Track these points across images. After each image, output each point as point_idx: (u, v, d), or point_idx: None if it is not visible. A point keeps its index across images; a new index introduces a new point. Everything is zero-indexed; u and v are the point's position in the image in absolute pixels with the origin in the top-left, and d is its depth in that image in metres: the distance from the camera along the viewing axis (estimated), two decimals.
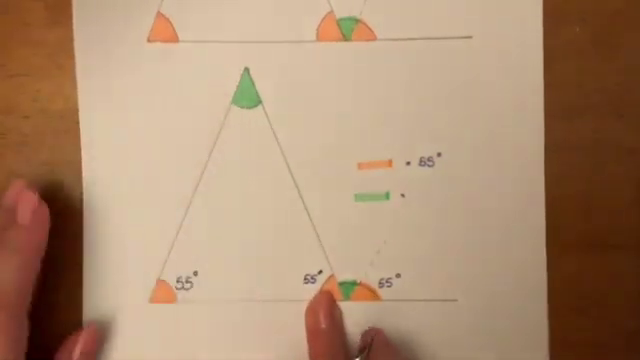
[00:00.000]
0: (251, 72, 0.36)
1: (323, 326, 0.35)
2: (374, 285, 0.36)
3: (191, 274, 0.36)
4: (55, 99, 0.36)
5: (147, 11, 0.36)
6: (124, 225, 0.36)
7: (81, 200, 0.36)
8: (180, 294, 0.36)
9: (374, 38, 0.36)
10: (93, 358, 0.35)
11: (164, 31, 0.36)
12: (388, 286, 0.36)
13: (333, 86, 0.36)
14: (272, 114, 0.36)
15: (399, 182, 0.36)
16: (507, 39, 0.36)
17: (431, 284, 0.36)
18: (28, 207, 0.33)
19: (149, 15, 0.36)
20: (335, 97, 0.36)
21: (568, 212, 0.36)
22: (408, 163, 0.36)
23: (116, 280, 0.36)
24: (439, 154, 0.36)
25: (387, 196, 0.36)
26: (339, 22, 0.36)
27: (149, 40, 0.36)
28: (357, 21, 0.36)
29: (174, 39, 0.36)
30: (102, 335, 0.35)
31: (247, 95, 0.36)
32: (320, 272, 0.36)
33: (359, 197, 0.36)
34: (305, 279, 0.36)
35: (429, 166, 0.36)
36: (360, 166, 0.36)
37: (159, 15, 0.36)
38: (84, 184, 0.36)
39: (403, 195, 0.36)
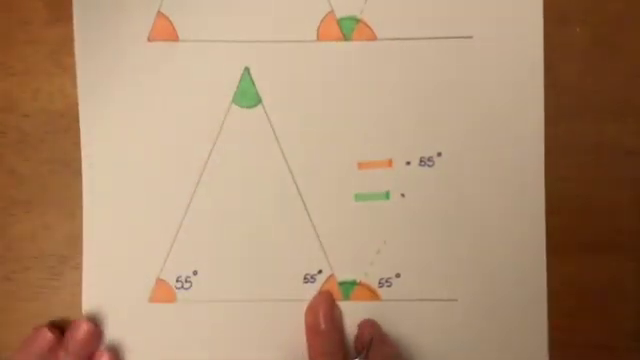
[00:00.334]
0: (251, 72, 0.36)
1: (323, 326, 0.35)
2: (374, 285, 0.36)
3: (191, 274, 0.36)
4: (55, 98, 0.36)
5: (147, 10, 0.36)
6: (124, 225, 0.36)
7: (81, 199, 0.36)
8: (180, 294, 0.36)
9: (374, 38, 0.36)
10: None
11: (164, 30, 0.36)
12: (388, 286, 0.36)
13: (333, 86, 0.36)
14: (272, 114, 0.36)
15: (399, 182, 0.36)
16: (507, 39, 0.36)
17: (431, 284, 0.36)
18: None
19: (149, 14, 0.36)
20: (335, 97, 0.36)
21: (568, 213, 0.36)
22: (408, 163, 0.36)
23: (116, 280, 0.36)
24: (439, 154, 0.36)
25: (387, 196, 0.36)
26: (339, 22, 0.36)
27: (149, 39, 0.36)
28: (357, 21, 0.36)
29: (174, 38, 0.36)
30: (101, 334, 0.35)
31: (247, 95, 0.36)
32: (320, 272, 0.36)
33: (359, 197, 0.36)
34: (305, 279, 0.36)
35: (429, 166, 0.36)
36: (360, 166, 0.36)
37: (159, 14, 0.36)
38: (84, 183, 0.36)
39: (403, 195, 0.36)
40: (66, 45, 0.36)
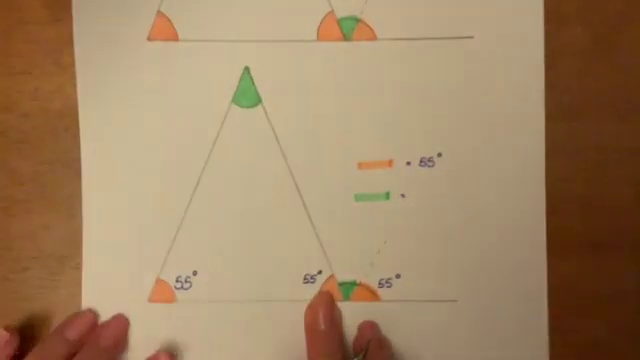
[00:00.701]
0: (251, 71, 0.36)
1: (322, 326, 0.35)
2: (374, 285, 0.36)
3: (190, 274, 0.36)
4: (55, 97, 0.36)
5: (147, 10, 0.36)
6: (123, 224, 0.36)
7: (80, 199, 0.36)
8: (179, 294, 0.36)
9: (375, 38, 0.36)
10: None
11: (164, 30, 0.36)
12: (388, 286, 0.36)
13: (333, 86, 0.36)
14: (272, 113, 0.36)
15: (399, 182, 0.36)
16: (508, 39, 0.36)
17: (431, 284, 0.36)
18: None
19: (149, 14, 0.36)
20: (335, 97, 0.36)
21: (568, 212, 0.36)
22: (408, 163, 0.36)
23: (115, 280, 0.36)
24: (439, 154, 0.36)
25: (387, 196, 0.36)
26: (340, 22, 0.36)
27: (149, 39, 0.36)
28: (358, 21, 0.36)
29: (174, 38, 0.36)
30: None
31: (247, 94, 0.36)
32: (320, 272, 0.36)
33: (359, 197, 0.36)
34: (305, 279, 0.36)
35: (429, 166, 0.36)
36: (360, 166, 0.36)
37: (159, 14, 0.36)
38: (83, 183, 0.36)
39: (403, 195, 0.36)
40: (66, 45, 0.36)
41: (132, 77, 0.36)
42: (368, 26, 0.36)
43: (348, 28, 0.36)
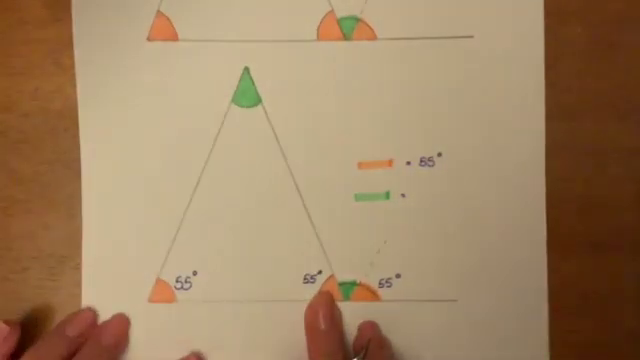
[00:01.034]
0: (251, 71, 0.36)
1: (322, 326, 0.35)
2: (374, 285, 0.36)
3: (190, 274, 0.36)
4: (54, 97, 0.36)
5: (147, 10, 0.36)
6: (123, 225, 0.36)
7: (80, 199, 0.36)
8: (179, 294, 0.36)
9: (375, 37, 0.36)
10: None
11: (164, 30, 0.36)
12: (388, 286, 0.36)
13: (333, 86, 0.36)
14: (272, 113, 0.36)
15: (399, 182, 0.36)
16: (508, 39, 0.36)
17: (431, 284, 0.36)
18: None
19: (149, 14, 0.36)
20: (335, 97, 0.36)
21: (568, 212, 0.36)
22: (408, 163, 0.36)
23: (115, 280, 0.36)
24: (440, 154, 0.36)
25: (387, 196, 0.36)
26: (340, 21, 0.36)
27: (149, 39, 0.36)
28: (358, 20, 0.36)
29: (174, 38, 0.36)
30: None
31: (247, 94, 0.36)
32: (320, 272, 0.36)
33: (359, 197, 0.36)
34: (305, 279, 0.36)
35: (430, 166, 0.36)
36: (360, 166, 0.36)
37: (159, 14, 0.36)
38: (83, 183, 0.36)
39: (403, 195, 0.36)
40: (65, 45, 0.36)
41: (132, 77, 0.36)
42: (368, 26, 0.36)
43: (348, 28, 0.36)
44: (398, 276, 0.36)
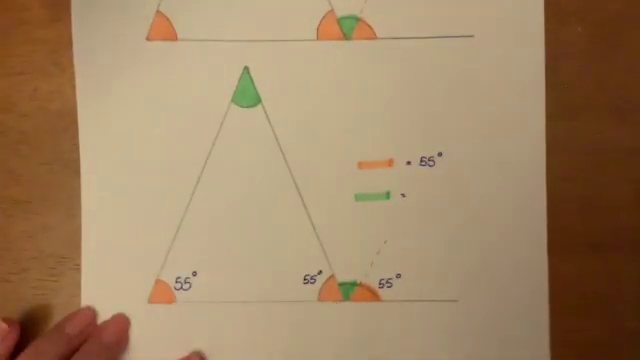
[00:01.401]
0: (251, 71, 0.36)
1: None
2: (374, 286, 0.36)
3: (190, 274, 0.36)
4: (54, 97, 0.36)
5: (146, 9, 0.36)
6: (123, 225, 0.36)
7: (80, 199, 0.36)
8: (179, 294, 0.36)
9: (375, 37, 0.36)
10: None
11: (163, 29, 0.36)
12: (388, 286, 0.36)
13: (333, 85, 0.36)
14: (272, 113, 0.36)
15: (400, 182, 0.36)
16: (508, 38, 0.36)
17: (432, 284, 0.36)
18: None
19: (148, 13, 0.36)
20: (335, 96, 0.36)
21: (568, 212, 0.36)
22: (409, 163, 0.36)
23: (115, 280, 0.36)
24: (440, 154, 0.36)
25: (387, 196, 0.36)
26: (339, 21, 0.36)
27: (148, 39, 0.36)
28: (358, 20, 0.36)
29: (173, 37, 0.36)
30: None
31: (247, 94, 0.36)
32: (320, 272, 0.36)
33: (359, 197, 0.36)
34: (305, 279, 0.36)
35: (430, 166, 0.36)
36: (360, 166, 0.36)
37: (158, 13, 0.36)
38: (83, 183, 0.36)
39: (404, 195, 0.36)
40: (65, 45, 0.36)
41: (131, 77, 0.36)
42: (368, 25, 0.36)
43: (348, 27, 0.36)
44: (398, 276, 0.36)
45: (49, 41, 0.36)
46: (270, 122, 0.36)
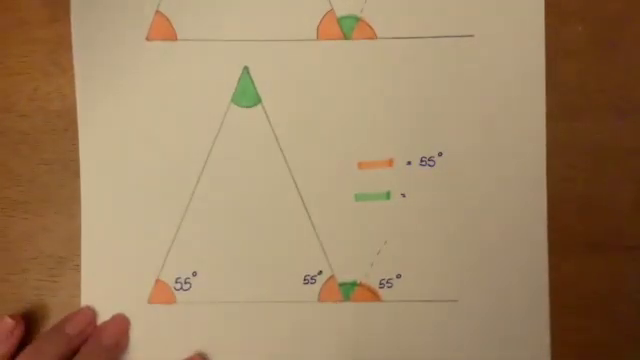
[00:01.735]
0: (251, 71, 0.36)
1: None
2: (374, 286, 0.36)
3: (190, 275, 0.36)
4: (53, 97, 0.36)
5: (146, 9, 0.36)
6: (123, 225, 0.36)
7: (79, 199, 0.36)
8: (179, 295, 0.36)
9: (375, 37, 0.36)
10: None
11: (163, 29, 0.36)
12: (389, 287, 0.36)
13: (333, 85, 0.36)
14: (272, 113, 0.36)
15: (400, 182, 0.36)
16: (509, 38, 0.36)
17: (432, 285, 0.36)
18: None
19: (148, 13, 0.36)
20: (335, 96, 0.36)
21: (568, 212, 0.36)
22: (409, 163, 0.36)
23: (115, 281, 0.36)
24: (440, 154, 0.36)
25: (388, 196, 0.36)
26: (340, 20, 0.36)
27: (148, 38, 0.36)
28: (358, 19, 0.36)
29: (173, 37, 0.36)
30: None
31: (247, 94, 0.36)
32: (320, 273, 0.36)
33: (359, 197, 0.36)
34: (305, 280, 0.36)
35: (430, 166, 0.36)
36: (360, 166, 0.36)
37: (158, 13, 0.36)
38: (82, 183, 0.36)
39: (404, 195, 0.36)
40: (64, 45, 0.36)
41: (131, 77, 0.36)
42: (368, 25, 0.36)
43: (348, 27, 0.36)
44: (399, 276, 0.36)
45: (49, 41, 0.36)
46: (270, 122, 0.36)
